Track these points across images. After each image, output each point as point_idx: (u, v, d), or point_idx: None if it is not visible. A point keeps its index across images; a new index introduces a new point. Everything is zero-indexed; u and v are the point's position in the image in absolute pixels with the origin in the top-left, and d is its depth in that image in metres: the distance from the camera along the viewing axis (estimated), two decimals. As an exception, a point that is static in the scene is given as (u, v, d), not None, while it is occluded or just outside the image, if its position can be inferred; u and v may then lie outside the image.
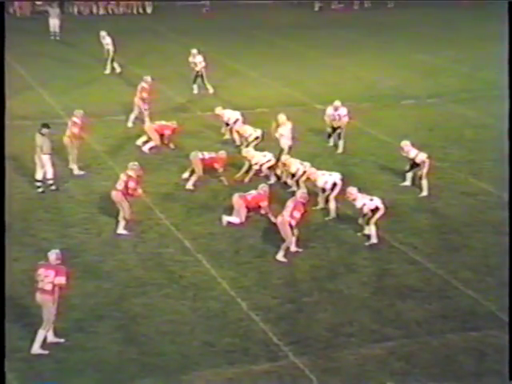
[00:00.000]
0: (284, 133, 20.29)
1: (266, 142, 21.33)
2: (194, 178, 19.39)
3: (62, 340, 12.74)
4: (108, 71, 31.43)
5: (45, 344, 12.53)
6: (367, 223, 16.52)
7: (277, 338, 13.05)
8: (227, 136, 22.99)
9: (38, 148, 18.82)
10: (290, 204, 15.89)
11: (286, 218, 15.69)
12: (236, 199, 17.42)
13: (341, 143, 22.10)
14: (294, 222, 15.72)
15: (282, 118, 20.56)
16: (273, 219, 17.11)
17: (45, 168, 18.90)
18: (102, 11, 47.93)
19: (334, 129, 22.00)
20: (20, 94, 26.60)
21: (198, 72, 28.37)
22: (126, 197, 16.77)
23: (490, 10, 44.89)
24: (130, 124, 24.15)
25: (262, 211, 17.54)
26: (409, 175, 19.68)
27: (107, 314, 13.74)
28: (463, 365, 12.49)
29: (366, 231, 16.71)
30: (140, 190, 17.09)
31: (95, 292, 14.49)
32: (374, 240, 16.51)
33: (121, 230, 16.87)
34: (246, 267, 15.53)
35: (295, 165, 18.78)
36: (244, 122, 22.39)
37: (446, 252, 16.37)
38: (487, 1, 47.17)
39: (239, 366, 12.32)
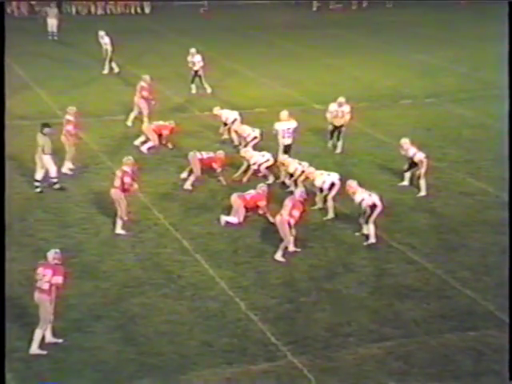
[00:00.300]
0: (278, 128, 20.23)
1: (265, 141, 21.33)
2: (192, 178, 19.39)
3: (60, 340, 12.74)
4: (106, 71, 31.43)
5: (43, 344, 12.53)
6: (366, 222, 16.51)
7: (275, 338, 13.05)
8: (225, 136, 22.98)
9: (39, 148, 18.83)
10: (288, 203, 15.89)
11: (285, 217, 15.69)
12: (234, 199, 17.43)
13: (340, 143, 22.09)
14: (293, 221, 15.72)
15: (283, 114, 20.49)
16: (271, 219, 17.11)
17: (47, 168, 18.91)
18: (100, 11, 47.99)
19: (335, 127, 21.95)
20: (18, 93, 26.60)
21: (195, 72, 28.37)
22: (125, 194, 16.77)
23: (487, 11, 45.00)
24: (129, 123, 24.15)
25: (260, 211, 17.54)
26: (407, 175, 19.69)
27: (105, 313, 13.73)
28: (461, 364, 12.48)
29: (365, 231, 16.71)
30: (136, 185, 17.05)
31: (93, 292, 14.48)
32: (372, 240, 16.51)
33: (119, 230, 16.87)
34: (244, 267, 15.53)
35: (293, 165, 18.78)
36: (242, 122, 22.38)
37: (444, 252, 16.38)
38: (485, 1, 47.25)
39: (237, 366, 12.32)
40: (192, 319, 13.63)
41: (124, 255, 16.00)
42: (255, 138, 21.34)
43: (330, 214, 17.74)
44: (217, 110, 22.94)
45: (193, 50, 28.34)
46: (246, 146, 21.04)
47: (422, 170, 19.19)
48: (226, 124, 22.81)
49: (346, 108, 21.93)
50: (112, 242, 16.58)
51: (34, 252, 15.29)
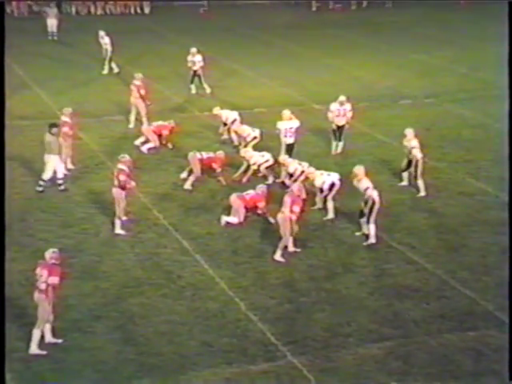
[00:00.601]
0: (280, 127, 20.25)
1: (265, 142, 21.34)
2: (192, 179, 19.39)
3: (60, 341, 12.73)
4: (106, 71, 31.43)
5: (43, 344, 12.54)
6: (368, 220, 16.46)
7: (275, 338, 13.05)
8: (225, 136, 22.98)
9: (47, 148, 18.85)
10: (287, 199, 15.85)
11: (287, 213, 15.66)
12: (234, 199, 17.42)
13: (341, 144, 22.07)
14: (294, 217, 15.68)
15: (284, 113, 20.47)
16: (271, 219, 17.11)
17: (55, 168, 18.94)
18: (99, 11, 47.98)
19: (337, 127, 21.91)
20: (17, 93, 26.60)
21: (195, 71, 28.36)
22: (125, 193, 16.76)
23: (487, 11, 45.00)
24: (131, 125, 24.10)
25: (259, 211, 17.53)
26: (405, 175, 19.68)
27: (105, 314, 13.73)
28: (461, 364, 12.48)
29: (365, 231, 16.72)
30: (133, 183, 17.02)
31: (93, 292, 14.48)
32: (372, 240, 16.51)
33: (118, 230, 16.86)
34: (244, 267, 15.53)
35: (293, 165, 18.77)
36: (242, 122, 22.37)
37: (444, 252, 16.38)
38: (485, 1, 47.26)
39: (237, 366, 12.32)
40: (192, 319, 13.63)
41: (124, 255, 16.00)
42: (255, 138, 21.35)
43: (330, 215, 17.74)
44: (217, 110, 22.94)
45: (193, 50, 28.33)
46: (246, 146, 21.04)
47: (418, 171, 19.16)
48: (225, 124, 22.80)
49: (348, 106, 21.94)
50: (112, 242, 16.58)
51: (33, 252, 15.28)
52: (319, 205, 18.06)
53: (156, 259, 15.84)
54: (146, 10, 48.66)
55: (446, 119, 25.90)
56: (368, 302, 14.32)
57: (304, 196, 17.77)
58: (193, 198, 18.94)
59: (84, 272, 15.19)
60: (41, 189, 18.94)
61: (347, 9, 50.29)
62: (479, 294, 14.58)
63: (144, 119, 23.61)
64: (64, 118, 20.33)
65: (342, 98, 21.89)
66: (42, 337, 12.58)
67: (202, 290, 14.61)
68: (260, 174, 19.79)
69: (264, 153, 20.01)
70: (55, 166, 18.92)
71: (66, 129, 20.10)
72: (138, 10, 48.57)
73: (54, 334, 12.72)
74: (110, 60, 31.45)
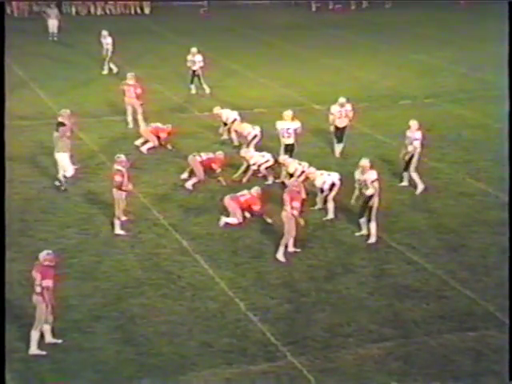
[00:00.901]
0: (278, 127, 20.22)
1: (265, 142, 21.34)
2: (194, 180, 19.36)
3: (59, 341, 12.73)
4: (106, 72, 31.42)
5: (43, 344, 12.53)
6: (369, 218, 16.49)
7: (275, 339, 13.04)
8: (225, 136, 22.99)
9: (55, 146, 19.05)
10: (286, 197, 15.85)
11: (289, 210, 15.66)
12: (228, 202, 17.38)
13: (341, 146, 22.03)
14: (296, 212, 15.66)
15: (285, 113, 20.42)
16: (268, 220, 17.12)
17: (63, 166, 19.01)
18: (99, 11, 47.97)
19: (338, 129, 21.90)
20: (17, 94, 26.60)
21: (194, 71, 28.35)
22: (125, 194, 16.75)
23: (486, 11, 45.03)
24: (130, 125, 24.09)
25: (255, 213, 17.47)
26: (406, 175, 19.69)
27: (105, 314, 13.73)
28: (461, 365, 12.48)
29: (364, 231, 16.74)
30: (130, 186, 16.99)
31: (93, 292, 14.47)
32: (373, 239, 16.51)
33: (118, 231, 16.86)
34: (243, 267, 15.53)
35: (293, 165, 18.75)
36: (242, 122, 22.36)
37: (444, 252, 16.37)
38: (484, 1, 47.28)
39: (237, 367, 12.31)
40: (191, 319, 13.63)
41: (123, 256, 15.99)
42: (255, 136, 21.31)
43: (330, 215, 17.73)
44: (217, 110, 22.94)
45: (194, 50, 28.31)
46: (248, 145, 21.00)
47: (413, 163, 19.16)
48: (225, 124, 22.80)
49: (348, 107, 21.95)
50: (111, 242, 16.57)
51: (33, 252, 15.14)
52: (319, 205, 18.06)
53: (156, 259, 15.84)
54: (146, 11, 48.66)
55: (446, 119, 25.90)
56: (368, 303, 14.31)
57: (303, 194, 17.82)
58: (193, 198, 18.93)
59: (84, 272, 15.19)
60: (63, 188, 19.03)
61: (347, 9, 50.27)
62: (479, 294, 14.57)
63: (141, 119, 23.60)
64: (61, 120, 20.29)
65: (342, 99, 21.87)
66: (42, 337, 12.58)
67: (201, 291, 14.61)
68: (260, 175, 19.79)
69: (264, 153, 20.01)
70: (63, 164, 19.00)
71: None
72: (138, 11, 48.56)
73: (54, 334, 12.72)
74: (110, 60, 31.43)
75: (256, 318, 13.64)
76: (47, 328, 12.62)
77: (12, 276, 14.11)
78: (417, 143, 19.26)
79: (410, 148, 19.30)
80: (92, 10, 47.94)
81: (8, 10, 44.40)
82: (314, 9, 50.43)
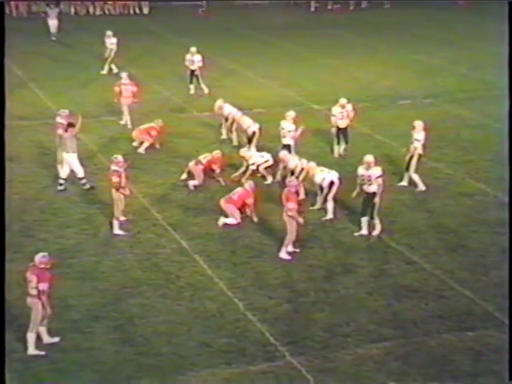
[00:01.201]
0: (291, 129, 20.22)
1: (264, 142, 21.35)
2: (196, 183, 19.34)
3: (56, 339, 12.71)
4: (105, 71, 31.38)
5: (41, 345, 12.53)
6: (372, 216, 16.53)
7: (274, 339, 13.04)
8: (224, 136, 23.00)
9: (64, 147, 19.06)
10: (283, 198, 15.85)
11: (286, 212, 15.67)
12: (224, 204, 17.38)
13: (338, 147, 21.99)
14: (291, 213, 15.59)
15: (287, 114, 20.44)
16: (255, 219, 17.23)
17: (72, 167, 19.05)
18: (98, 11, 47.95)
19: (339, 130, 21.88)
20: (16, 94, 26.58)
21: (192, 71, 28.35)
22: (123, 195, 16.74)
23: (485, 11, 45.02)
24: (129, 125, 24.10)
25: (248, 210, 17.45)
26: (406, 175, 19.68)
27: (104, 314, 13.73)
28: (460, 365, 12.48)
29: (364, 231, 16.76)
30: (127, 190, 16.94)
31: (91, 292, 14.47)
32: (377, 231, 16.60)
33: (117, 231, 16.85)
34: (242, 267, 15.52)
35: (293, 161, 18.73)
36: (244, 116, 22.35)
37: (443, 252, 16.37)
38: (483, 1, 47.27)
39: (236, 367, 12.31)
40: (190, 319, 13.62)
41: (122, 256, 15.99)
42: (254, 132, 21.29)
43: (329, 215, 17.72)
44: (220, 102, 22.89)
45: (193, 49, 28.32)
46: (249, 145, 20.96)
47: (413, 164, 19.18)
48: (226, 119, 22.76)
49: (349, 108, 21.95)
50: (110, 242, 16.57)
51: (32, 253, 15.07)
52: (319, 205, 18.05)
53: (155, 259, 15.84)
54: (145, 11, 48.63)
55: (445, 119, 25.88)
56: (367, 303, 14.31)
57: (303, 194, 17.84)
58: (192, 198, 18.93)
59: (83, 272, 15.19)
60: (88, 186, 19.13)
61: (346, 9, 50.26)
62: (478, 294, 14.57)
63: (129, 119, 23.75)
64: (59, 120, 20.29)
65: (343, 100, 21.85)
66: (40, 338, 12.57)
67: (200, 291, 14.61)
68: (259, 175, 19.78)
69: (264, 153, 20.02)
70: (71, 164, 19.02)
71: (60, 131, 20.08)
72: (137, 11, 48.54)
73: (51, 333, 12.70)
74: (112, 61, 31.39)
75: (255, 318, 13.64)
76: (43, 330, 12.60)
77: (11, 276, 14.07)
78: (417, 144, 19.25)
79: (411, 148, 19.31)
80: (91, 10, 47.91)
81: (7, 10, 44.38)
82: (312, 9, 50.40)
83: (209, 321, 13.59)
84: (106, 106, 26.36)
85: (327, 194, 17.74)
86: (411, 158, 19.33)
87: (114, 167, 16.82)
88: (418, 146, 19.25)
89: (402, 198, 19.02)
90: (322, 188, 17.87)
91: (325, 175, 17.82)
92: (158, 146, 22.26)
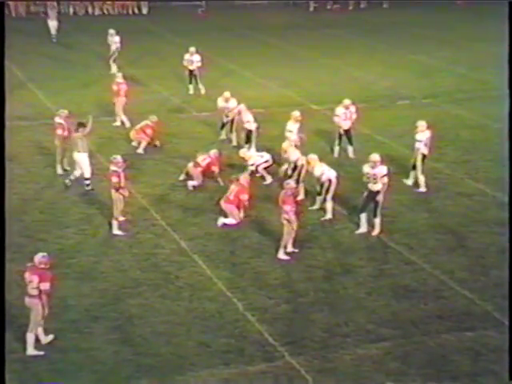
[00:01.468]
0: (292, 129, 20.23)
1: (264, 142, 21.34)
2: (195, 183, 19.34)
3: (51, 336, 12.72)
4: (114, 70, 31.14)
5: (40, 345, 12.53)
6: (375, 213, 16.58)
7: (273, 339, 13.04)
8: (223, 136, 23.01)
9: (74, 147, 19.14)
10: (280, 200, 15.84)
11: (283, 214, 15.65)
12: (224, 205, 17.39)
13: (351, 148, 21.93)
14: (287, 216, 15.59)
15: (295, 113, 20.45)
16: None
17: (81, 166, 19.06)
18: (97, 11, 47.94)
19: (343, 131, 21.85)
20: (15, 94, 26.55)
21: (191, 71, 28.34)
22: (123, 195, 16.75)
23: (485, 11, 45.05)
24: (127, 124, 24.10)
25: (245, 204, 17.44)
26: (412, 174, 19.65)
27: (103, 314, 13.73)
28: (459, 365, 12.48)
29: (363, 229, 16.76)
30: (126, 192, 16.92)
31: (91, 293, 14.47)
32: (376, 231, 16.55)
33: (116, 231, 16.85)
34: (242, 268, 15.52)
35: (295, 153, 18.72)
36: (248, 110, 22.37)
37: (442, 252, 16.37)
38: (483, 1, 47.29)
39: (235, 367, 12.32)
40: (190, 320, 13.63)
41: (121, 256, 15.99)
42: (251, 131, 21.30)
43: (328, 215, 17.72)
44: (227, 94, 22.87)
45: (192, 49, 28.33)
46: (247, 139, 20.93)
47: (418, 163, 19.19)
48: (227, 116, 22.73)
49: (353, 108, 21.93)
50: (109, 242, 16.57)
51: (31, 253, 15.09)
52: (317, 205, 18.05)
53: (154, 260, 15.84)
54: (144, 11, 48.62)
55: (445, 120, 25.86)
56: (366, 303, 14.31)
57: (302, 194, 17.83)
58: (191, 198, 18.93)
59: (82, 272, 15.19)
60: (90, 187, 19.08)
61: (345, 9, 50.25)
62: (477, 294, 14.58)
63: (125, 118, 23.77)
64: (58, 120, 20.28)
65: (347, 101, 21.81)
66: (38, 338, 12.57)
67: (199, 291, 14.61)
68: (258, 175, 19.78)
69: (263, 153, 20.02)
70: (81, 164, 19.04)
71: (59, 131, 20.08)
72: (136, 11, 48.53)
73: (46, 331, 12.70)
74: (114, 60, 31.33)
75: (254, 318, 13.64)
76: (40, 330, 12.60)
77: (11, 276, 14.07)
78: (418, 144, 19.24)
79: (415, 149, 19.31)
80: (90, 10, 47.90)
81: (6, 11, 44.33)
82: (311, 9, 50.40)
83: (208, 321, 13.59)
84: (105, 107, 26.32)
85: (326, 194, 17.72)
86: (416, 158, 19.32)
87: (113, 167, 16.82)
88: (419, 147, 19.23)
89: (402, 198, 19.00)
90: (321, 185, 17.78)
91: (324, 170, 17.78)
92: (157, 143, 22.25)
